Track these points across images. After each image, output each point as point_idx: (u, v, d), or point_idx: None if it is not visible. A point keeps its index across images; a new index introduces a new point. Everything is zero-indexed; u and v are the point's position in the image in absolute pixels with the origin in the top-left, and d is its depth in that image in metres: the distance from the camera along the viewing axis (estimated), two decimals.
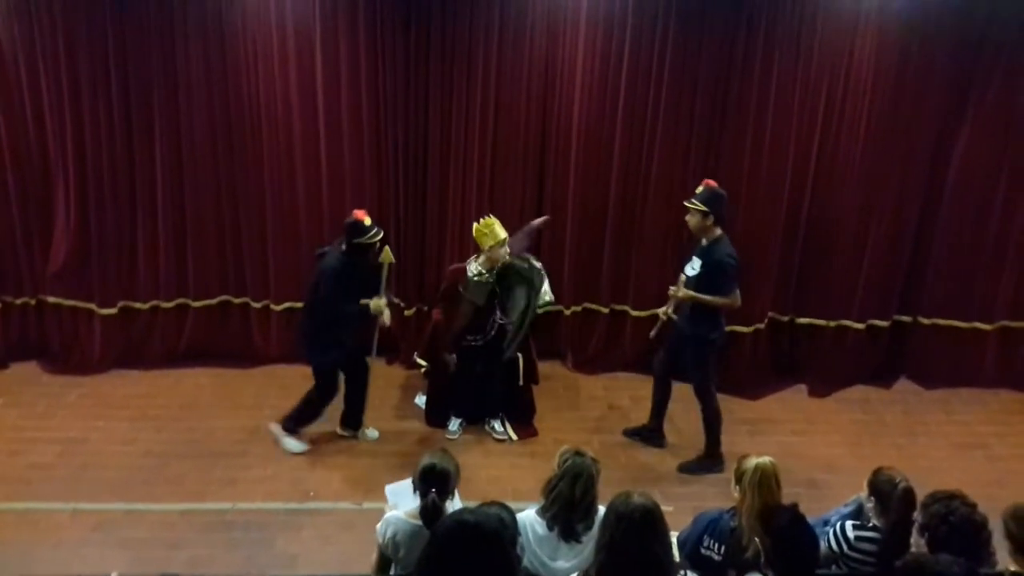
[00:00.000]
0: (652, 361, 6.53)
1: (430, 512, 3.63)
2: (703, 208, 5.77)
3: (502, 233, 6.09)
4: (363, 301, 5.98)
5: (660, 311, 6.20)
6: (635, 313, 7.44)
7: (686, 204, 5.89)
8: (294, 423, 6.30)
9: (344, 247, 5.92)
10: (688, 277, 5.96)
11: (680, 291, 5.90)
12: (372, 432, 6.48)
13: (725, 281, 5.81)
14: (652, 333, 6.34)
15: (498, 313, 6.27)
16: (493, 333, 6.31)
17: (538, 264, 6.43)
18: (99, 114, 6.80)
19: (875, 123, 6.83)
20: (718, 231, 5.84)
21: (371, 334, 6.28)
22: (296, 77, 6.82)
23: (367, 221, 5.87)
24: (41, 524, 5.48)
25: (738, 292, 5.93)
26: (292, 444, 6.27)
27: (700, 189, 5.87)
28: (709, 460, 6.22)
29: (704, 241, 5.90)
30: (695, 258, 5.93)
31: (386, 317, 6.14)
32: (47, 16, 6.56)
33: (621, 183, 7.11)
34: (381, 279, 6.09)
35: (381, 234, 6.00)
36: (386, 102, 6.95)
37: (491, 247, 6.07)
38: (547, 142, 7.11)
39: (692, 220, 5.84)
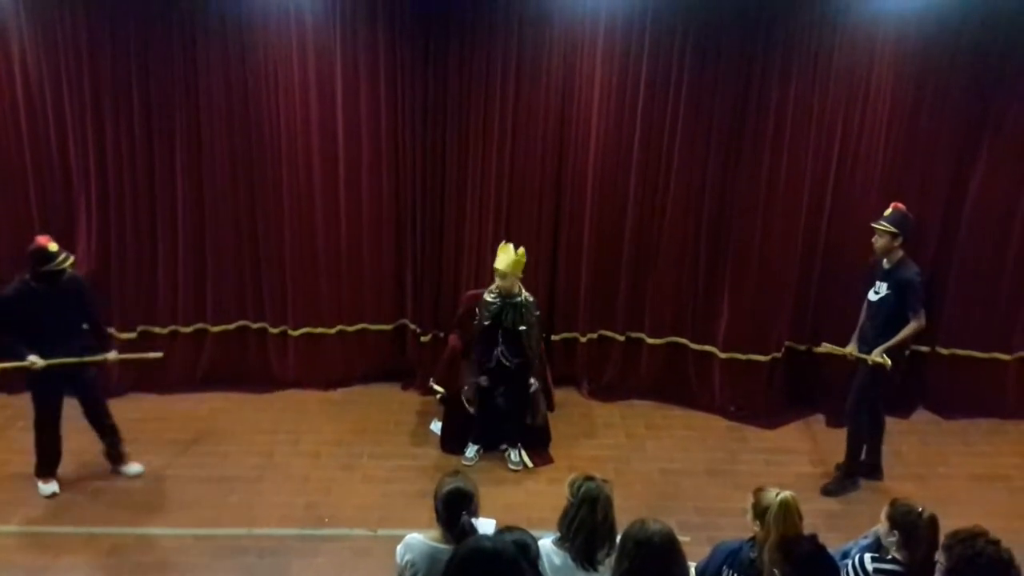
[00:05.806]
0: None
1: (467, 534, 3.59)
2: (893, 230, 5.87)
3: (503, 266, 6.07)
4: (32, 358, 5.56)
5: (846, 351, 6.16)
6: (651, 340, 7.42)
7: (874, 226, 5.96)
8: (38, 468, 5.97)
9: (29, 275, 5.58)
10: (871, 302, 6.04)
11: (878, 357, 5.86)
12: (45, 487, 5.95)
13: (916, 298, 5.88)
14: None
15: (500, 347, 6.27)
16: (493, 364, 6.32)
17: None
18: (120, 139, 6.88)
19: (892, 152, 6.83)
20: (901, 252, 5.94)
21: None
22: (316, 101, 6.91)
23: (52, 247, 5.54)
24: (55, 548, 5.49)
25: (923, 311, 5.95)
26: (43, 488, 5.95)
27: (889, 212, 5.96)
28: (871, 470, 6.34)
29: (886, 264, 5.97)
30: (878, 282, 6.00)
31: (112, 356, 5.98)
32: (71, 39, 6.67)
33: (637, 212, 7.12)
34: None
35: (71, 259, 5.66)
36: (404, 131, 7.02)
37: (503, 275, 6.10)
38: (563, 171, 7.14)
39: (881, 241, 5.92)
